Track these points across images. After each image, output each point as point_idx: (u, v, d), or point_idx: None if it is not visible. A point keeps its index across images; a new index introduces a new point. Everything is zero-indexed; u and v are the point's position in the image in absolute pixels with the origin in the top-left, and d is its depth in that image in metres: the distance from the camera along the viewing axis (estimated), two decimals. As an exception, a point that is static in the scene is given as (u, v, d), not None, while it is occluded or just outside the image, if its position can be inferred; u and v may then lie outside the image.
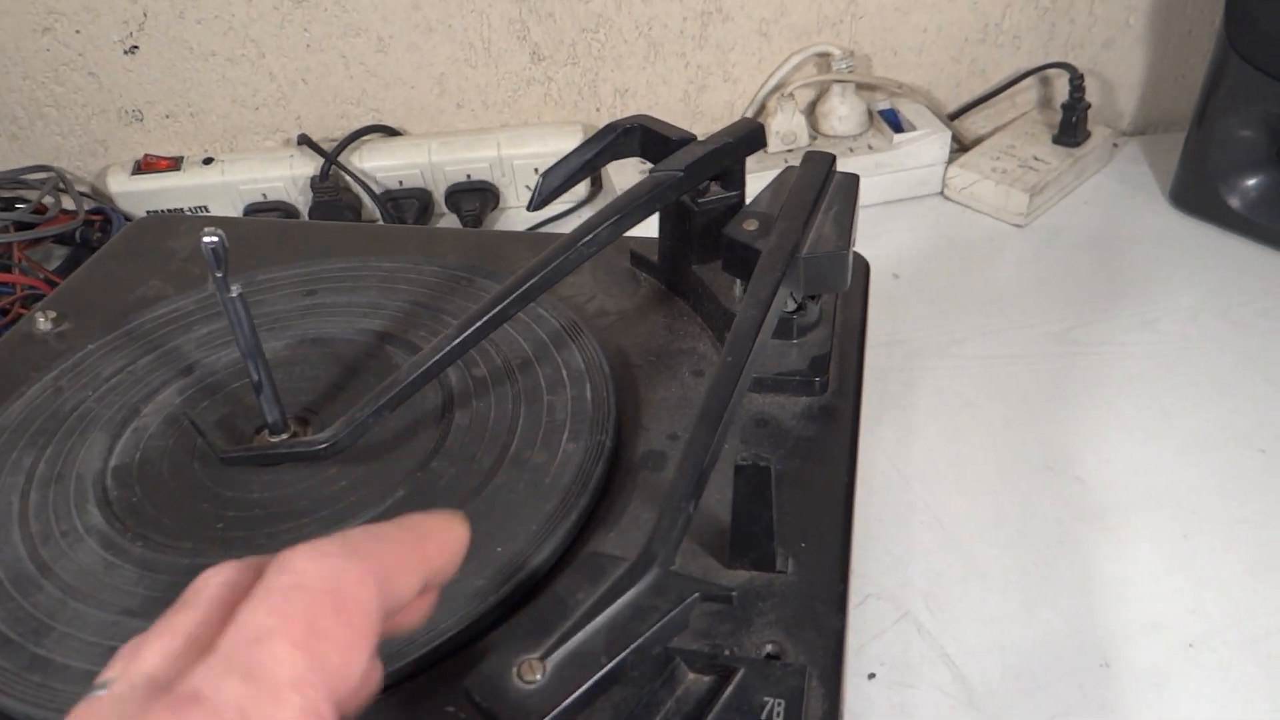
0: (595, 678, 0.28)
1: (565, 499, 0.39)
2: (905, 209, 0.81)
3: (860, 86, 0.83)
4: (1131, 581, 0.51)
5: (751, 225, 0.43)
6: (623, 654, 0.29)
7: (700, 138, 0.48)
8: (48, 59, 0.80)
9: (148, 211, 0.81)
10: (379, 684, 0.26)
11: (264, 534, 0.40)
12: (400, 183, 0.82)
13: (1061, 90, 0.83)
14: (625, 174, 0.79)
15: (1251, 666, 0.47)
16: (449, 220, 0.83)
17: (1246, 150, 0.72)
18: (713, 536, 0.38)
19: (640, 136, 0.49)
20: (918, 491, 0.56)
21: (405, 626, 0.27)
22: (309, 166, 0.81)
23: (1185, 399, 0.61)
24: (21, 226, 0.73)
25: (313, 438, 0.42)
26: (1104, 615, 0.50)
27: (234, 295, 0.39)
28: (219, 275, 0.38)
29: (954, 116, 0.87)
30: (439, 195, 0.82)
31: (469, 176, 0.82)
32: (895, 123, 0.82)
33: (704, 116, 0.86)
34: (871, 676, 0.48)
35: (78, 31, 0.78)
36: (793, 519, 0.39)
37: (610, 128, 0.49)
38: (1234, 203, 0.74)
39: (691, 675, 0.33)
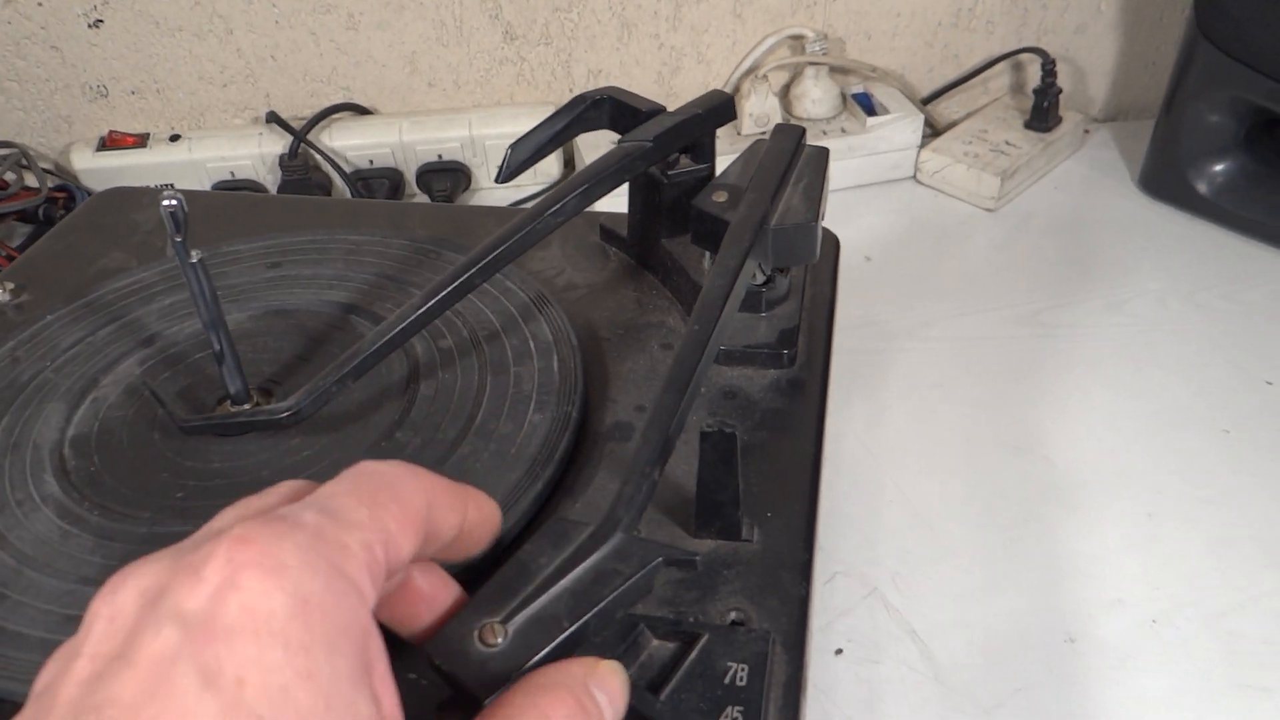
0: (556, 641, 0.28)
1: (531, 469, 0.39)
2: (878, 192, 0.81)
3: (834, 70, 0.83)
4: (1097, 559, 0.52)
5: (721, 197, 0.43)
6: (585, 618, 0.29)
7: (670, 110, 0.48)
8: (9, 31, 0.78)
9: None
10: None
11: (225, 503, 0.38)
12: (371, 162, 0.81)
13: (1033, 76, 0.83)
14: (599, 153, 0.78)
15: (1212, 641, 0.48)
16: (420, 200, 0.82)
17: (1215, 136, 0.73)
18: (679, 507, 0.38)
19: (610, 108, 0.49)
20: (887, 471, 0.57)
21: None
22: (278, 145, 0.80)
23: (1151, 381, 0.62)
24: (-17, 202, 0.72)
25: (275, 406, 0.41)
26: (1069, 592, 0.50)
27: (194, 261, 0.38)
28: (178, 240, 0.38)
29: (927, 101, 0.87)
30: (410, 175, 0.82)
31: (440, 156, 0.81)
32: (868, 106, 0.82)
33: (677, 98, 0.85)
34: (839, 652, 0.48)
35: (40, 4, 0.77)
36: (759, 490, 0.39)
37: (580, 99, 0.48)
38: (1202, 188, 0.74)
39: (656, 641, 0.33)
